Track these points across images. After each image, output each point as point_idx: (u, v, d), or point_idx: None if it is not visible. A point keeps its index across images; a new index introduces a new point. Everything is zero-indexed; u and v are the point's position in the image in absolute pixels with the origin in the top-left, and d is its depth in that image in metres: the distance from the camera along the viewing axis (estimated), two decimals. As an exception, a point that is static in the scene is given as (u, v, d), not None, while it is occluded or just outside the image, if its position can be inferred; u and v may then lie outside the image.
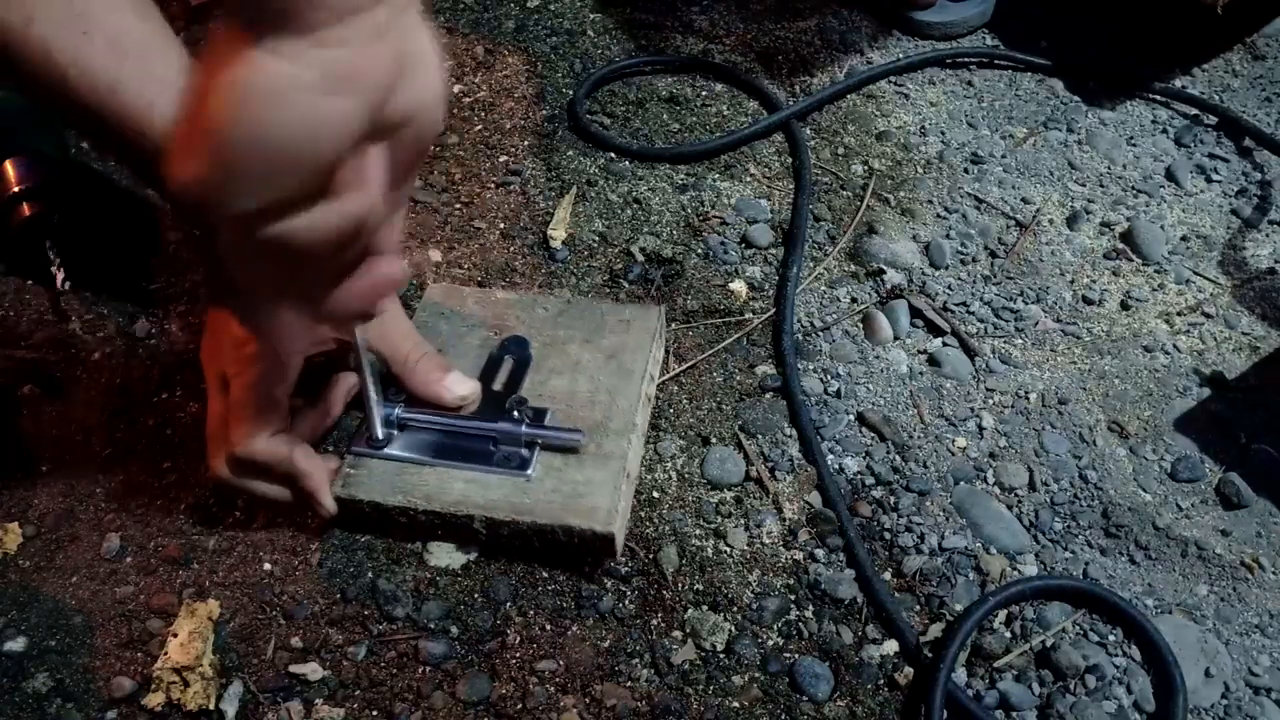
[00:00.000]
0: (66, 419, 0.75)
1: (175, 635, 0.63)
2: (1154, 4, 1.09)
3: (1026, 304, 0.88)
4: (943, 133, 1.03)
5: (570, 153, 0.97)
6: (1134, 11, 1.12)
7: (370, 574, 0.68)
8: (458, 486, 0.67)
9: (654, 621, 0.67)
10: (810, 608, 0.69)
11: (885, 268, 0.89)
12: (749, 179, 0.97)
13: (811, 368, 0.82)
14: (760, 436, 0.77)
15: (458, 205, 0.92)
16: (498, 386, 0.72)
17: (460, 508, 0.66)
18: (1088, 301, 0.88)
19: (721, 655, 0.66)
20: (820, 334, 0.85)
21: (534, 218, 0.91)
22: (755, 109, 1.04)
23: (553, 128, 1.00)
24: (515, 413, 0.69)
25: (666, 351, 0.82)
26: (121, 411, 0.75)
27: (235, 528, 0.70)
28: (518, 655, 0.65)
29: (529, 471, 0.68)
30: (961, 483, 0.76)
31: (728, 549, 0.71)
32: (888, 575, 0.71)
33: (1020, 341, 0.85)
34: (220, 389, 0.65)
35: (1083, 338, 0.86)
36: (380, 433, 0.68)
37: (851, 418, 0.79)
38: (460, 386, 0.70)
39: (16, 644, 0.63)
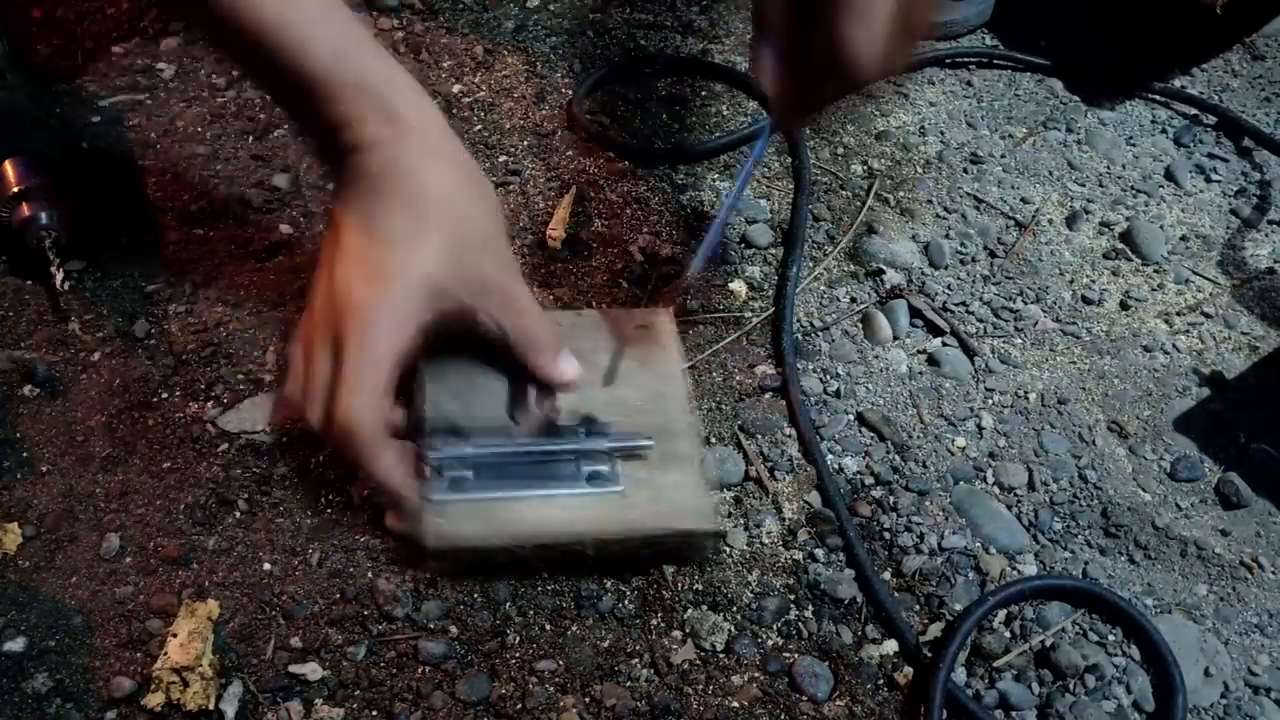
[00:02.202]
0: (66, 419, 0.75)
1: (175, 635, 0.63)
2: (1154, 4, 1.09)
3: (1026, 304, 0.88)
4: (942, 133, 1.03)
5: (570, 153, 0.97)
6: (1134, 11, 1.12)
7: (370, 574, 0.68)
8: (557, 514, 0.64)
9: (653, 621, 0.67)
10: (810, 607, 0.69)
11: (884, 267, 0.89)
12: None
13: (811, 368, 0.82)
14: (760, 436, 0.77)
15: (457, 205, 0.92)
16: (534, 404, 0.68)
17: (569, 533, 0.64)
18: (1087, 301, 0.89)
19: (721, 655, 0.66)
20: (820, 334, 0.85)
21: (533, 218, 0.91)
22: (755, 109, 1.04)
23: (552, 128, 1.00)
24: (586, 429, 0.67)
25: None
26: (121, 411, 0.75)
27: (235, 528, 0.70)
28: (517, 655, 0.65)
29: (620, 486, 0.65)
30: (961, 482, 0.76)
31: (727, 549, 0.71)
32: (887, 575, 0.71)
33: (1020, 341, 0.85)
34: (327, 349, 0.60)
35: (1082, 337, 0.86)
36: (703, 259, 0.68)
37: (851, 418, 0.79)
38: (572, 365, 0.66)
39: (16, 644, 0.63)
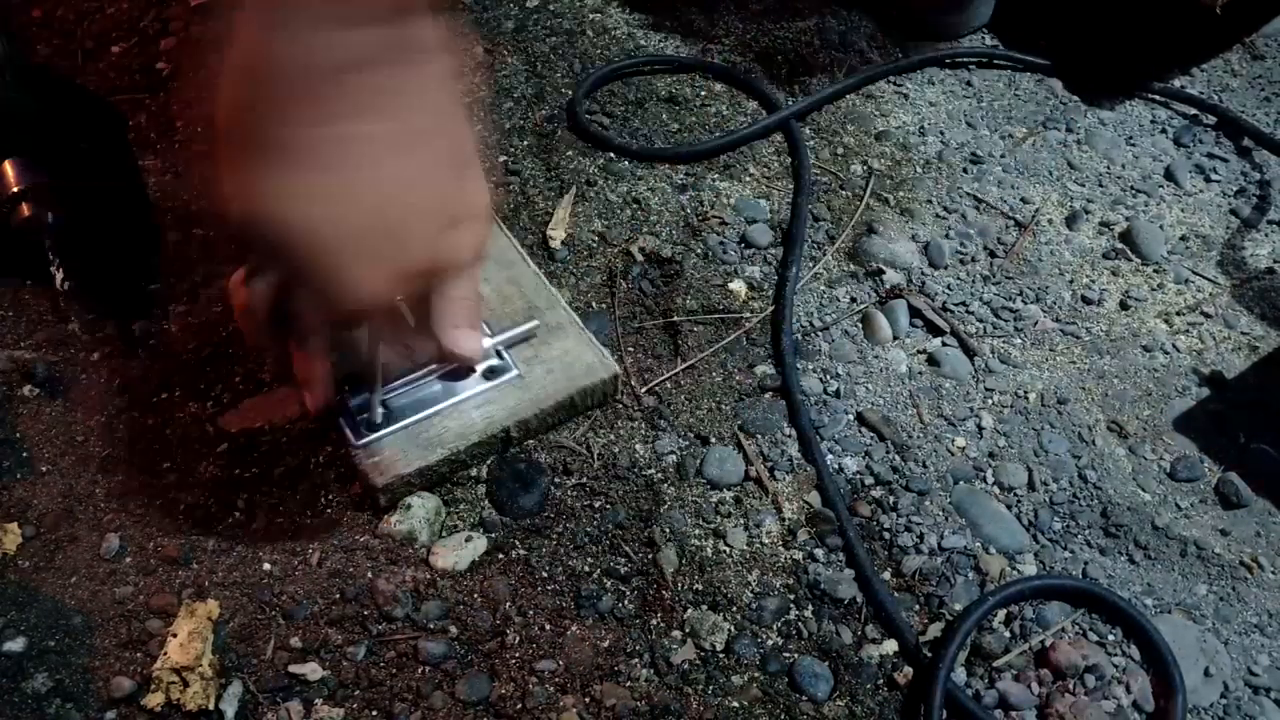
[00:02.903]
0: (66, 419, 0.75)
1: (175, 635, 0.63)
2: (1153, 4, 1.09)
3: (1025, 304, 0.88)
4: (942, 133, 1.03)
5: (570, 153, 0.97)
6: (1133, 11, 1.12)
7: (369, 574, 0.68)
8: (474, 415, 0.72)
9: (653, 621, 0.67)
10: (810, 607, 0.69)
11: (884, 267, 0.89)
12: (748, 179, 0.97)
13: (811, 367, 0.82)
14: (759, 436, 0.77)
15: (457, 205, 0.92)
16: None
17: (493, 428, 0.71)
18: (1087, 301, 0.89)
19: (721, 655, 0.66)
20: (819, 334, 0.85)
21: (533, 218, 0.91)
22: (755, 109, 1.04)
23: (552, 128, 1.00)
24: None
25: (675, 350, 0.82)
26: (121, 411, 0.75)
27: (235, 528, 0.70)
28: (517, 655, 0.65)
29: (516, 371, 0.74)
30: (961, 482, 0.76)
31: (727, 549, 0.71)
32: (887, 575, 0.71)
33: (1019, 341, 0.85)
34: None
35: (1082, 337, 0.86)
36: (379, 416, 0.71)
37: (851, 417, 0.79)
38: (468, 343, 0.66)
39: (16, 644, 0.64)
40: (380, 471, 0.69)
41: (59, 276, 0.79)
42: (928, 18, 1.11)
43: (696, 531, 0.72)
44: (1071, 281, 0.90)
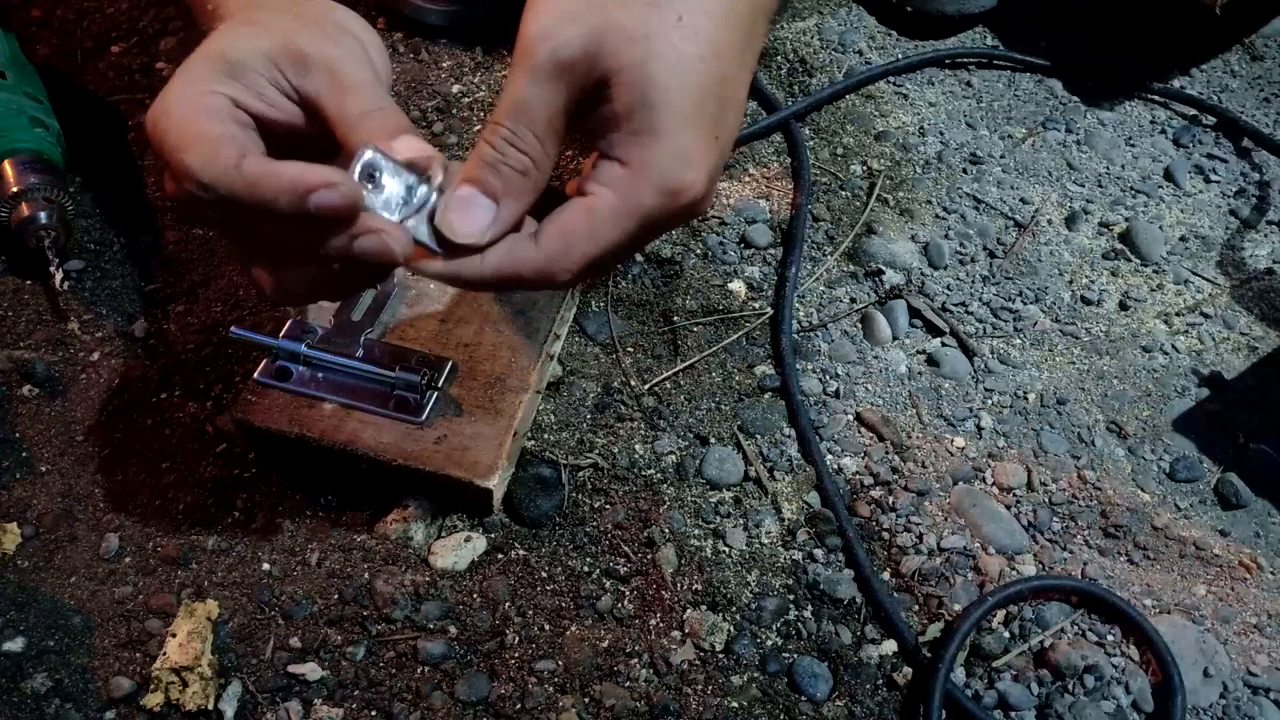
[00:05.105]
0: (66, 419, 0.75)
1: (174, 635, 0.63)
2: (1153, 4, 1.09)
3: (1025, 304, 0.88)
4: (941, 133, 1.03)
5: (569, 152, 0.97)
6: (1133, 12, 1.12)
7: (368, 574, 0.68)
8: (351, 425, 0.69)
9: (653, 621, 0.67)
10: (809, 608, 0.69)
11: (884, 268, 0.89)
12: (748, 179, 0.97)
13: (810, 368, 0.82)
14: (759, 436, 0.77)
15: (457, 205, 0.92)
16: (357, 316, 0.74)
17: (351, 446, 0.68)
18: (1086, 302, 0.89)
19: (720, 655, 0.66)
20: (819, 334, 0.85)
21: (533, 218, 0.91)
22: (754, 109, 1.04)
23: (552, 128, 1.00)
24: (406, 363, 0.70)
25: (675, 350, 0.82)
26: (121, 411, 0.75)
27: (235, 528, 0.70)
28: (516, 655, 0.65)
29: (421, 419, 0.69)
30: (960, 483, 0.76)
31: (726, 549, 0.71)
32: (886, 575, 0.71)
33: (1019, 341, 0.85)
34: None
35: (1081, 338, 0.86)
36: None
37: (850, 418, 0.79)
38: (407, 146, 0.52)
39: (15, 644, 0.64)
40: (246, 408, 0.69)
41: (58, 276, 0.79)
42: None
43: (696, 532, 0.72)
44: (1071, 282, 0.90)
